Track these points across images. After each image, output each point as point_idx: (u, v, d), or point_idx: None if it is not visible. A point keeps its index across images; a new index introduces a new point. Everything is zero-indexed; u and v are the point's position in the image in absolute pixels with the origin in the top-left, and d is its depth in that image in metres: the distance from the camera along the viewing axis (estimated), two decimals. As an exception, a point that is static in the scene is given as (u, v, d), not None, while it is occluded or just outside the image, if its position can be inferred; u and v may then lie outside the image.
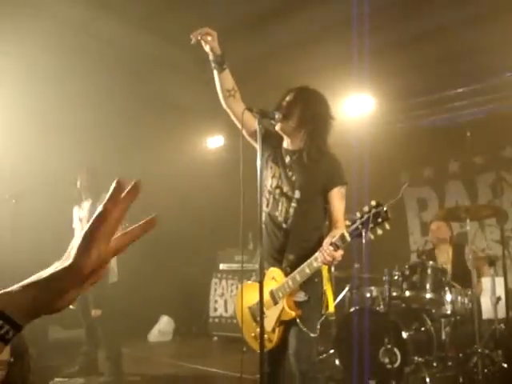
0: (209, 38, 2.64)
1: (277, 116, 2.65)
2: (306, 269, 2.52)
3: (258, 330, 2.48)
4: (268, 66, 6.04)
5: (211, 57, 2.70)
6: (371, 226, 2.30)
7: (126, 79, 6.23)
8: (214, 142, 7.99)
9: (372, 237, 2.33)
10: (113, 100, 6.26)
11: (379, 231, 2.31)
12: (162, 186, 7.12)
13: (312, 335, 2.62)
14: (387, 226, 2.30)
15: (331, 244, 2.42)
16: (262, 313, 2.38)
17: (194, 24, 5.60)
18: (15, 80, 5.13)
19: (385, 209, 2.29)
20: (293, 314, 2.60)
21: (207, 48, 2.68)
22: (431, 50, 5.57)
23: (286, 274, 2.62)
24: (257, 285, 2.41)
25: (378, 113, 6.56)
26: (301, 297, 2.64)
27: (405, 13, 5.23)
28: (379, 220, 2.29)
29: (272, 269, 2.70)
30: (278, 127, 2.75)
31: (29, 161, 5.39)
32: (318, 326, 2.69)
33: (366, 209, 2.34)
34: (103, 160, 5.41)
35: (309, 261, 2.51)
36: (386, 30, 5.35)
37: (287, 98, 2.80)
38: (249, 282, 2.88)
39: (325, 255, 2.42)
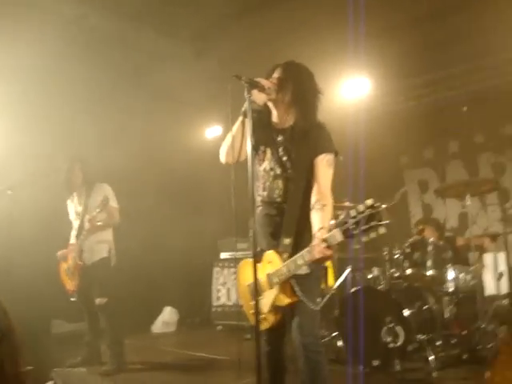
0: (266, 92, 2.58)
1: (267, 88, 2.59)
2: (298, 260, 2.44)
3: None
4: (262, 54, 5.97)
5: (248, 106, 2.44)
6: (365, 227, 2.11)
7: (122, 72, 6.20)
8: (212, 132, 7.96)
9: (364, 239, 2.14)
10: (109, 93, 6.23)
11: (372, 234, 2.11)
12: (161, 177, 7.10)
13: (314, 308, 2.58)
14: (382, 231, 2.10)
15: (323, 240, 2.30)
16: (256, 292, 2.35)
17: (188, 16, 5.54)
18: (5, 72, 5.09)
19: (380, 210, 2.09)
20: (286, 301, 2.55)
21: (259, 97, 2.56)
22: (427, 31, 5.50)
23: (283, 259, 2.54)
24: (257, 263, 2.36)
25: (374, 95, 6.50)
26: (303, 269, 2.55)
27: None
28: (373, 223, 2.10)
29: (268, 252, 2.63)
30: (270, 100, 2.68)
31: (21, 152, 5.36)
32: (319, 300, 2.65)
33: (360, 208, 2.14)
34: (99, 153, 5.37)
35: (302, 252, 2.42)
36: (381, 13, 5.28)
37: (276, 74, 2.74)
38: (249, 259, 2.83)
39: (314, 252, 2.33)
